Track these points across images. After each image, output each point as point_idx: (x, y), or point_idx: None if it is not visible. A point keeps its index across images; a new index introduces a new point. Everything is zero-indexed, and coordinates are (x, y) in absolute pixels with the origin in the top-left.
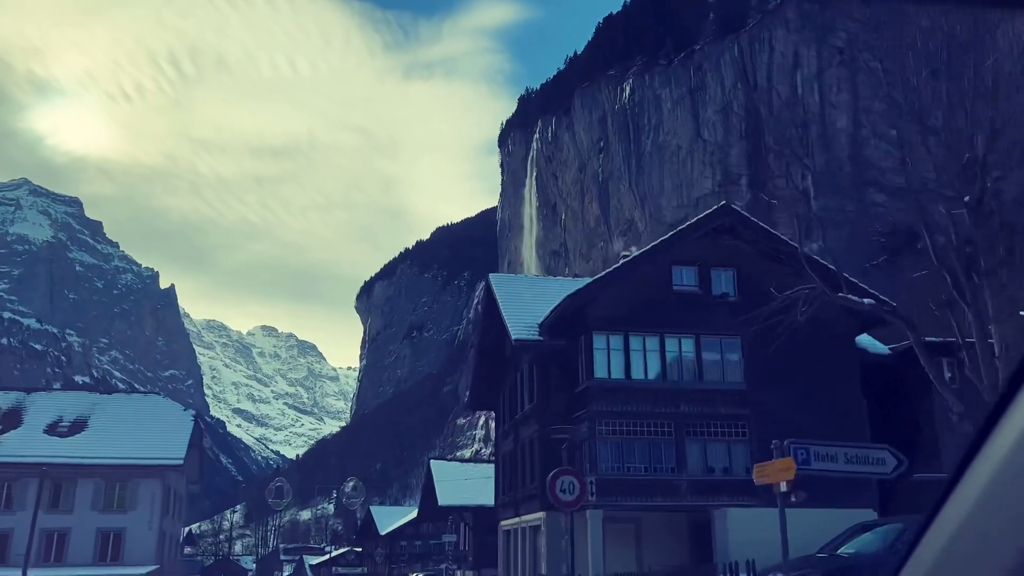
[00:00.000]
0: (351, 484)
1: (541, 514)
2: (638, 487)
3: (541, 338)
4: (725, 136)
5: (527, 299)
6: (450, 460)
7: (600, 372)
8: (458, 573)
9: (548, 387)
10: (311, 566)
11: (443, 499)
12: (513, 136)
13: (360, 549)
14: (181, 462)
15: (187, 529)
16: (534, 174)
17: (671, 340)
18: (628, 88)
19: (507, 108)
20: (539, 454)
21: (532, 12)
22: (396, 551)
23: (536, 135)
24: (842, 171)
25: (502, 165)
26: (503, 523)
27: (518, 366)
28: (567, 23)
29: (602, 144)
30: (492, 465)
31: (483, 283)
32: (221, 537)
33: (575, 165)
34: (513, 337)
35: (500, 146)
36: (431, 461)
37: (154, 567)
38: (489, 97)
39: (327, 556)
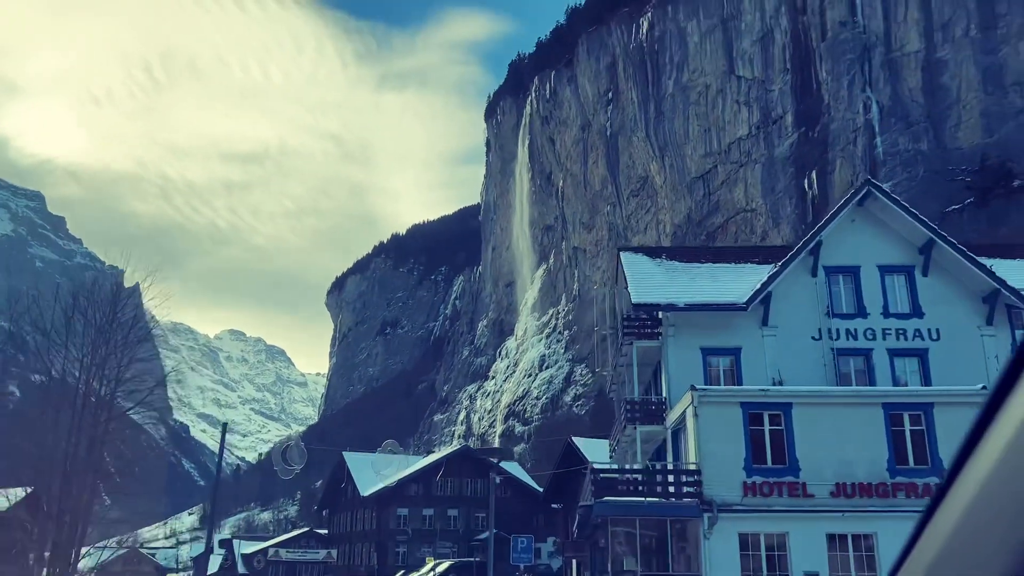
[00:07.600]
0: (291, 444)
1: None
2: None
3: None
4: (764, 70)
5: None
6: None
7: None
8: None
9: None
10: (243, 555)
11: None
12: (503, 105)
13: (325, 531)
14: None
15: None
16: (527, 143)
17: None
18: (646, 24)
19: (481, 120)
20: None
21: (504, 24)
22: (387, 526)
23: (531, 97)
24: (914, 102)
25: (487, 142)
26: None
27: None
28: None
29: (610, 95)
30: None
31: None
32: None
33: (576, 124)
34: None
35: (487, 119)
36: (622, 252)
37: None
38: (461, 108)
39: (268, 543)
